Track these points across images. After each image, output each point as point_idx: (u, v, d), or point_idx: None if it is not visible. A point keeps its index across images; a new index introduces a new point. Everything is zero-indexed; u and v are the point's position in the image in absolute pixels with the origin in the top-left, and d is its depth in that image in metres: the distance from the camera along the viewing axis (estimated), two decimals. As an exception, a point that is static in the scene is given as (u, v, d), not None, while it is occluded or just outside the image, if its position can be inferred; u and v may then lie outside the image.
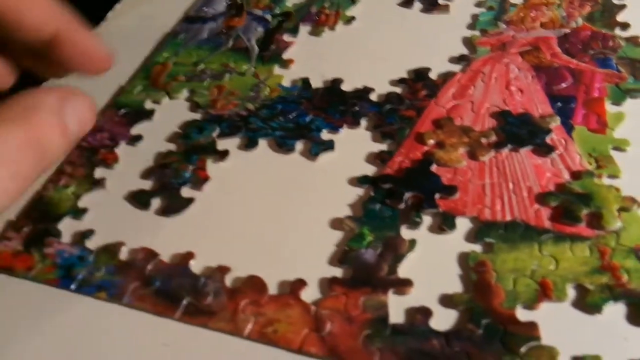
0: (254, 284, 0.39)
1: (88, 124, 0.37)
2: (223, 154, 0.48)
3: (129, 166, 0.48)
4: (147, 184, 0.46)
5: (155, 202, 0.45)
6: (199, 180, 0.46)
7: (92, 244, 0.42)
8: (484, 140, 0.46)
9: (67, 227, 0.44)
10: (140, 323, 0.38)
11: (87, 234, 0.43)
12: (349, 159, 0.47)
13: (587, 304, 0.37)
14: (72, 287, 0.40)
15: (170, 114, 0.52)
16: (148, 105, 0.53)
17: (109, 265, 0.41)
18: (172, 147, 0.49)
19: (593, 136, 0.46)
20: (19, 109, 0.32)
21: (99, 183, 0.47)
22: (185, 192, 0.46)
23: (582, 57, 0.53)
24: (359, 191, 0.45)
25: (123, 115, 0.52)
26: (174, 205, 0.44)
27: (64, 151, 0.34)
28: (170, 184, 0.46)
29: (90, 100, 0.37)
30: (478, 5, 0.59)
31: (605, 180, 0.43)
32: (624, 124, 0.47)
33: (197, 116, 0.51)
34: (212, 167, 0.47)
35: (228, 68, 0.55)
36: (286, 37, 0.58)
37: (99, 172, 0.47)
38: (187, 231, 0.43)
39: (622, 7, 0.57)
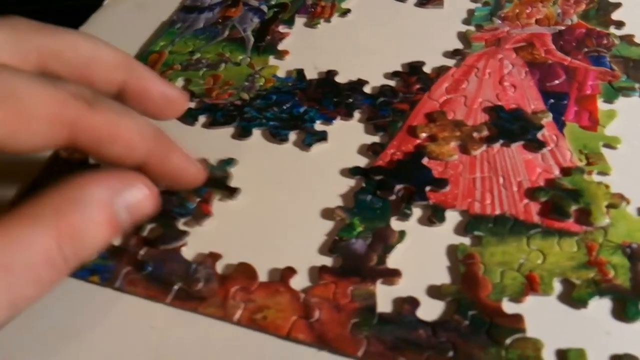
0: (245, 271, 0.40)
1: (145, 211, 0.33)
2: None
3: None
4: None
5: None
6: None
7: (85, 228, 0.43)
8: (476, 135, 0.47)
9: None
10: (130, 307, 0.39)
11: (81, 218, 0.43)
12: (342, 150, 0.47)
13: (573, 298, 0.37)
14: (65, 270, 0.40)
15: (165, 102, 0.52)
16: (143, 93, 0.53)
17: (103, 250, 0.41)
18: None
19: (584, 133, 0.47)
20: (55, 203, 0.28)
21: (94, 169, 0.47)
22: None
23: (576, 55, 0.53)
24: (350, 182, 0.45)
25: (118, 102, 0.52)
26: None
27: (110, 241, 0.31)
28: None
29: (147, 188, 0.33)
30: (474, 0, 0.60)
31: (595, 177, 0.44)
32: (615, 122, 0.48)
33: (191, 105, 0.51)
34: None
35: (224, 58, 0.56)
36: (282, 28, 0.59)
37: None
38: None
39: (618, 5, 0.58)
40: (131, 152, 0.32)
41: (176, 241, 0.42)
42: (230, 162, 0.47)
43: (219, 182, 0.45)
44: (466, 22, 0.58)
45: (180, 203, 0.44)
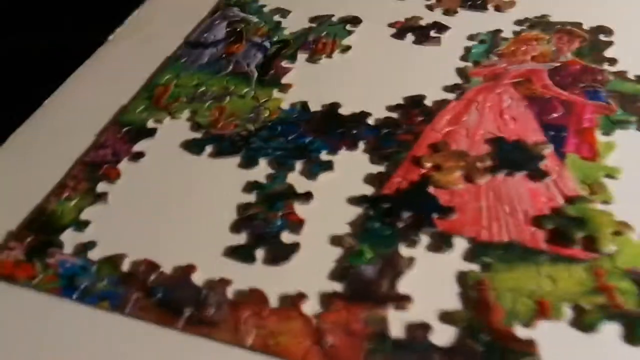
0: (256, 297, 0.40)
1: None
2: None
3: (131, 181, 0.49)
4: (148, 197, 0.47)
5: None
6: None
7: (94, 255, 0.43)
8: (479, 165, 0.48)
9: (69, 238, 0.44)
10: (140, 332, 0.39)
11: (90, 245, 0.43)
12: (348, 179, 0.48)
13: (584, 323, 0.38)
14: (74, 296, 0.40)
15: (172, 132, 0.53)
16: (150, 124, 0.54)
17: (112, 276, 0.41)
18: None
19: (585, 164, 0.48)
20: None
21: (101, 197, 0.47)
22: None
23: (573, 90, 0.55)
24: (357, 210, 0.45)
25: (126, 132, 0.52)
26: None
27: None
28: None
29: None
30: (470, 38, 0.62)
31: (598, 206, 0.45)
32: (614, 153, 0.49)
33: (198, 135, 0.52)
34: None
35: (228, 91, 0.57)
36: (284, 63, 0.60)
37: (101, 187, 0.48)
38: (188, 243, 0.44)
39: (610, 43, 0.60)
40: None
41: (292, 254, 0.43)
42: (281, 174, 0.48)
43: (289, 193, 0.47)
44: (463, 58, 0.59)
45: (267, 224, 0.45)
